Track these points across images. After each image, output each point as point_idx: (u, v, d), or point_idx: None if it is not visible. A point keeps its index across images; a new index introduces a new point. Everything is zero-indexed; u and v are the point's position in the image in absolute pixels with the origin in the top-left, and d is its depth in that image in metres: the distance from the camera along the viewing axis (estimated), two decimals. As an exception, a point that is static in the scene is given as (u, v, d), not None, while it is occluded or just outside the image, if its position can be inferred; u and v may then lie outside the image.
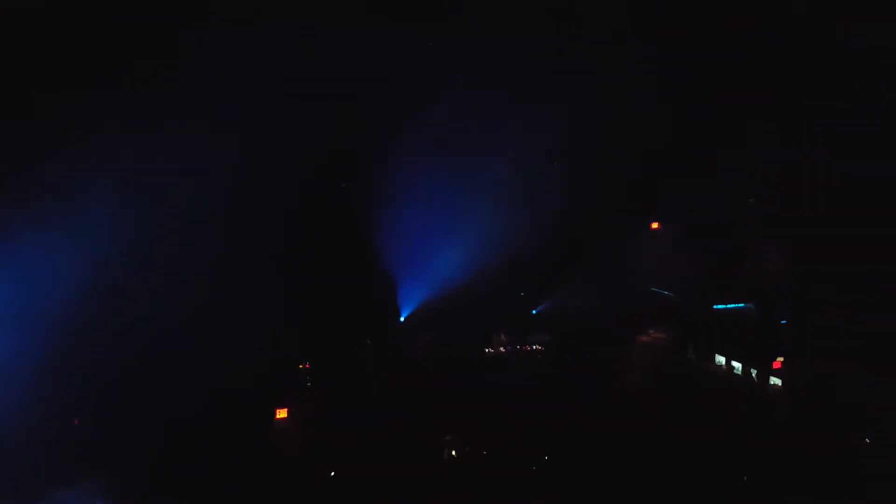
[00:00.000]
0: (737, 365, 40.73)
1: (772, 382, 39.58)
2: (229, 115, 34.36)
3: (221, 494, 30.31)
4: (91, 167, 32.32)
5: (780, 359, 39.52)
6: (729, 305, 41.86)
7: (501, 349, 39.61)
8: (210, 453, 32.15)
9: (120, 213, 34.17)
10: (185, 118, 33.10)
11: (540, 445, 33.88)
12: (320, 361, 37.92)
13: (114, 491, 30.33)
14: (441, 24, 35.33)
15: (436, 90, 36.24)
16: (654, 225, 42.95)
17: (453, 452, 34.08)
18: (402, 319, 39.50)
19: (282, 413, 36.22)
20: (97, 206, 33.29)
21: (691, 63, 37.45)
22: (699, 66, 37.64)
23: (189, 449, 32.26)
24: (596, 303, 40.22)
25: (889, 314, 35.15)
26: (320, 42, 35.14)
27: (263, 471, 32.57)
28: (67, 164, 32.24)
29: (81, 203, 32.91)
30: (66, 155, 32.19)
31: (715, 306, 41.76)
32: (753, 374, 40.14)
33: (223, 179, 35.83)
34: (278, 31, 34.33)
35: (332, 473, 32.67)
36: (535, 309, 41.29)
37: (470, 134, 37.81)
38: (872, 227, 36.25)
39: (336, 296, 38.17)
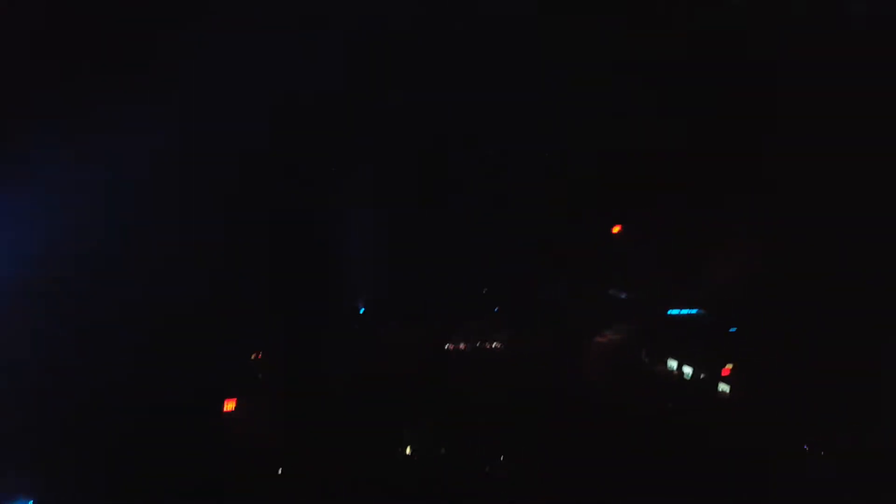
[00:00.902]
0: (687, 370, 41.37)
1: (720, 388, 40.31)
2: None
3: (164, 488, 28.80)
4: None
5: (730, 365, 40.31)
6: (682, 311, 42.48)
7: (462, 345, 38.96)
8: (154, 444, 30.57)
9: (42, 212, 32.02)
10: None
11: (496, 445, 33.61)
12: (273, 351, 36.42)
13: (44, 487, 28.41)
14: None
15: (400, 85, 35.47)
16: (616, 229, 43.22)
17: (408, 450, 33.37)
18: (361, 312, 38.36)
19: (230, 404, 34.76)
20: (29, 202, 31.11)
21: (659, 67, 37.62)
22: (666, 71, 37.85)
23: (131, 442, 30.50)
24: (558, 303, 40.06)
25: (840, 322, 36.24)
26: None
27: (209, 463, 31.13)
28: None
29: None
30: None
31: (669, 311, 42.32)
32: (703, 379, 40.82)
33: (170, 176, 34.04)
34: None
35: (280, 470, 31.55)
36: (496, 306, 40.83)
37: (436, 126, 37.24)
38: (825, 236, 37.41)
39: (291, 286, 36.84)
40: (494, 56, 36.01)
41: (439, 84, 35.82)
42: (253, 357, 36.37)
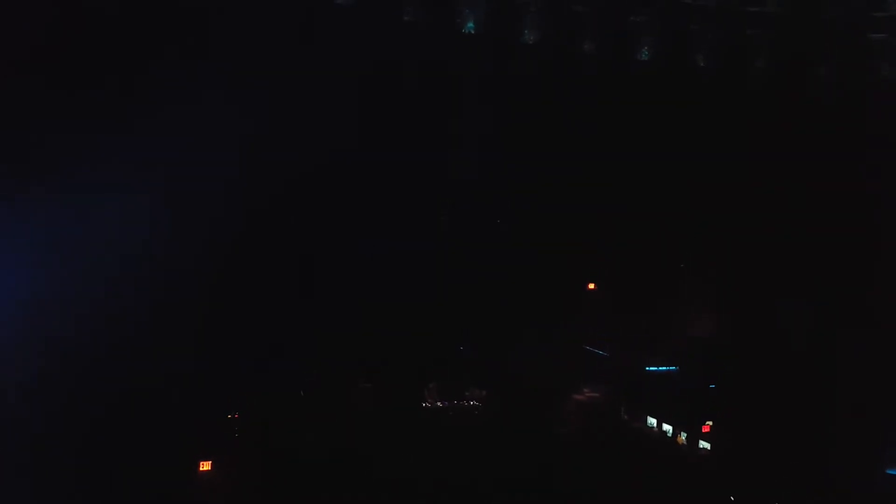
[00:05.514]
0: (667, 427, 41.35)
1: (701, 446, 40.26)
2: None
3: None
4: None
5: (710, 423, 40.34)
6: (661, 368, 42.64)
7: (438, 403, 38.94)
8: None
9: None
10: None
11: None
12: (250, 412, 36.27)
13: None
14: None
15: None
16: (591, 286, 43.64)
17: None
18: (336, 368, 38.30)
19: (206, 465, 34.46)
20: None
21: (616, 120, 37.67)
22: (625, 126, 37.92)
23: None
24: (534, 360, 40.15)
25: (816, 378, 36.49)
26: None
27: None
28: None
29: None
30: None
31: (648, 368, 42.49)
32: (683, 437, 40.76)
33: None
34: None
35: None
36: (472, 362, 40.88)
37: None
38: (800, 292, 37.88)
39: (267, 342, 36.60)
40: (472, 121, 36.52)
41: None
42: (230, 417, 36.30)
